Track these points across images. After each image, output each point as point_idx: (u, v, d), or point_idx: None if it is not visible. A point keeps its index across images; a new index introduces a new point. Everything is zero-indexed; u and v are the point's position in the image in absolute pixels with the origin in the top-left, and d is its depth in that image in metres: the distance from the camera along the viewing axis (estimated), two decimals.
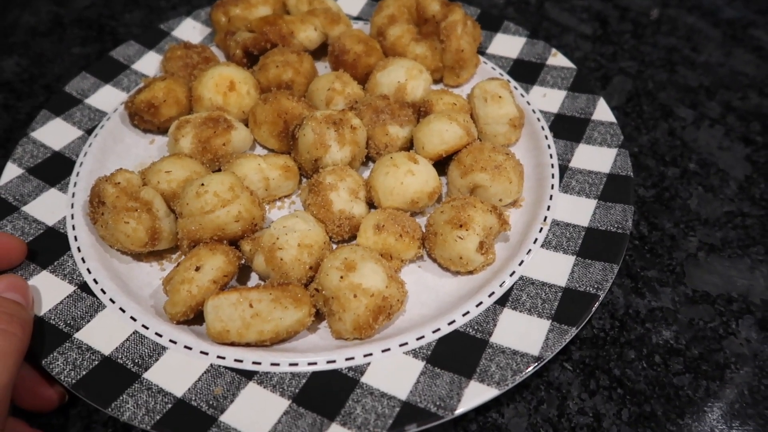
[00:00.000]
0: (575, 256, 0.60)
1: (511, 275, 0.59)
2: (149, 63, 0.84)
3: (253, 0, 0.86)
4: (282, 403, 0.51)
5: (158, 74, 0.83)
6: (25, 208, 0.66)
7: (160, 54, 0.85)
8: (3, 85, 0.90)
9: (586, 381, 0.56)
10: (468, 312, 0.57)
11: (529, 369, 0.52)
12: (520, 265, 0.60)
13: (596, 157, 0.69)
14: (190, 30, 0.89)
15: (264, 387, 0.52)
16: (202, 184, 0.60)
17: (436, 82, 0.83)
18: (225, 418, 0.50)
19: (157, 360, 0.54)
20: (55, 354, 0.54)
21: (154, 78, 0.77)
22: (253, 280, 0.63)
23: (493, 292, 0.58)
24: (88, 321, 0.56)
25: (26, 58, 0.94)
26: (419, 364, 0.53)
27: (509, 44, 0.85)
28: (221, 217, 0.59)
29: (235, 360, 0.54)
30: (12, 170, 0.69)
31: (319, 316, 0.58)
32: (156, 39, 0.87)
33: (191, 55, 0.81)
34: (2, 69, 0.92)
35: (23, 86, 0.90)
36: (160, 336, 0.55)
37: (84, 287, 0.59)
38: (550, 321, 0.55)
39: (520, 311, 0.56)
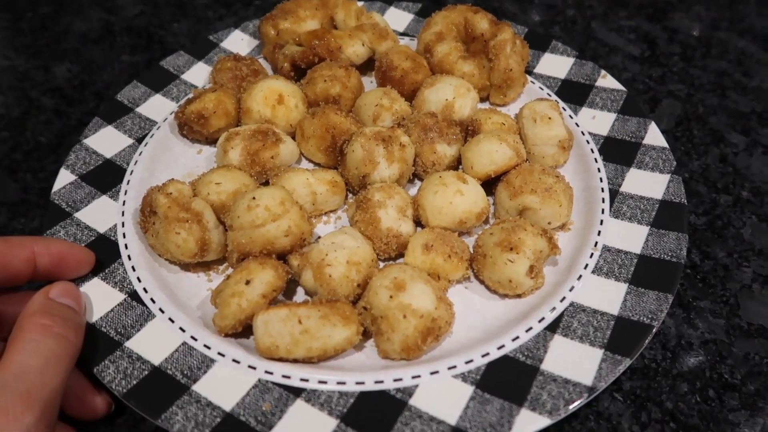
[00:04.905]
0: (627, 284, 0.59)
1: (561, 301, 0.58)
2: (198, 73, 0.85)
3: (302, 14, 0.87)
4: (330, 423, 0.50)
5: (207, 85, 0.84)
6: (78, 215, 0.67)
7: (208, 65, 0.86)
8: (54, 91, 0.92)
9: (637, 413, 0.55)
10: (518, 337, 0.56)
11: (582, 399, 0.51)
12: (570, 291, 0.59)
13: (648, 183, 0.68)
14: (238, 42, 0.90)
15: (312, 405, 0.52)
16: (254, 198, 0.60)
17: (482, 100, 0.83)
18: None
19: (205, 372, 0.54)
20: (106, 362, 0.54)
21: (204, 89, 0.78)
22: (299, 294, 0.63)
23: (543, 318, 0.57)
24: (138, 330, 0.57)
25: (77, 65, 0.96)
26: (468, 389, 0.52)
27: (557, 64, 0.84)
28: (271, 231, 0.60)
29: (283, 376, 0.54)
30: (65, 176, 0.70)
31: (365, 335, 0.57)
32: (205, 50, 0.88)
33: (240, 67, 0.81)
34: (54, 75, 0.94)
35: (74, 92, 0.91)
36: (209, 348, 0.56)
37: (134, 296, 0.60)
38: (603, 350, 0.54)
39: (572, 338, 0.55)
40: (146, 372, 0.54)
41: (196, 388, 0.53)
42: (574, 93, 0.80)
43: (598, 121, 0.76)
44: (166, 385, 0.53)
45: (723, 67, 0.92)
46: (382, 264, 0.65)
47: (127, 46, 1.00)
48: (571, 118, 0.77)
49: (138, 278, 0.61)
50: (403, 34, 0.91)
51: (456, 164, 0.73)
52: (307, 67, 0.82)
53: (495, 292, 0.62)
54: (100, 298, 0.59)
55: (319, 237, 0.63)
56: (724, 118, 0.84)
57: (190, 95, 0.80)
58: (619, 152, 0.72)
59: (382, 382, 0.53)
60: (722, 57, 0.94)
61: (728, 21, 1.01)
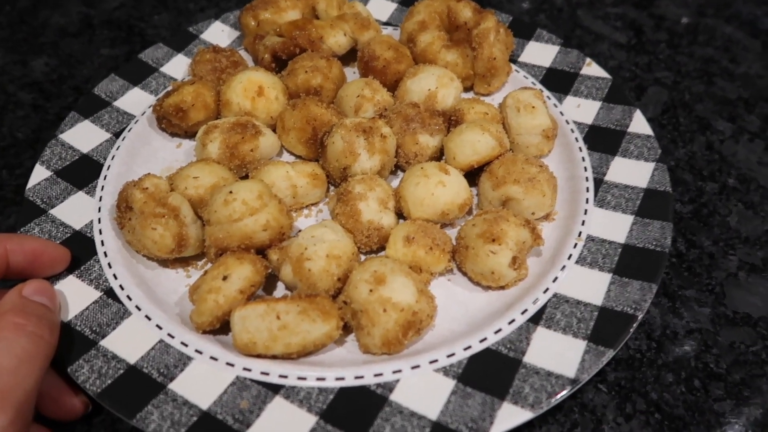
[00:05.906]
0: (611, 274, 0.58)
1: (544, 292, 0.58)
2: (178, 66, 0.84)
3: (283, 4, 0.85)
4: (309, 420, 0.49)
5: (187, 77, 0.82)
6: (53, 211, 0.65)
7: (188, 57, 0.85)
8: (32, 86, 0.90)
9: (621, 404, 0.54)
10: (500, 329, 0.55)
11: (564, 392, 0.50)
12: (554, 281, 0.58)
13: (633, 171, 0.67)
14: (218, 33, 0.89)
15: (291, 402, 0.51)
16: (231, 192, 0.59)
17: (466, 90, 0.81)
18: None
19: (182, 370, 0.53)
20: (80, 361, 0.53)
21: (182, 82, 0.77)
22: (280, 289, 0.62)
23: (526, 310, 0.56)
24: (114, 328, 0.56)
25: (55, 59, 0.94)
26: (450, 383, 0.51)
27: (542, 52, 0.83)
28: (249, 225, 0.58)
29: (262, 372, 0.53)
30: (40, 172, 0.69)
31: (346, 330, 0.57)
32: (185, 42, 0.87)
33: (220, 58, 0.80)
34: (32, 69, 0.93)
35: (52, 87, 0.90)
36: (186, 346, 0.55)
37: (110, 293, 0.59)
38: (586, 341, 0.53)
39: (555, 330, 0.55)
40: (121, 371, 0.52)
41: (173, 386, 0.52)
42: (558, 81, 0.79)
43: (583, 109, 0.75)
44: (142, 384, 0.52)
45: (710, 54, 0.91)
46: (363, 257, 0.64)
47: (107, 39, 0.98)
48: (556, 106, 0.76)
49: (114, 275, 0.60)
50: (386, 23, 0.90)
51: (439, 155, 0.72)
52: (288, 58, 0.80)
53: (478, 284, 0.61)
54: (76, 295, 0.58)
55: (300, 231, 0.62)
56: (710, 105, 0.83)
57: (169, 88, 0.79)
58: (603, 141, 0.71)
59: (362, 377, 0.52)
60: (709, 44, 0.93)
61: (715, 7, 1.00)
